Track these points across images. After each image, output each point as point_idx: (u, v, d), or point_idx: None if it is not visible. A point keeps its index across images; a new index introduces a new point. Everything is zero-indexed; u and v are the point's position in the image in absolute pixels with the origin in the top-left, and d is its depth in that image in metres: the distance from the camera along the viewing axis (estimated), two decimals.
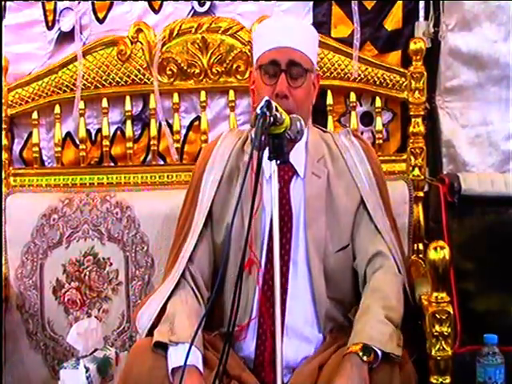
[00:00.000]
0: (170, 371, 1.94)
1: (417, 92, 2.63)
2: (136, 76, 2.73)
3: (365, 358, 1.89)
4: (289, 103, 2.12)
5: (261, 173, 2.08)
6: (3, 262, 2.65)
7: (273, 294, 1.81)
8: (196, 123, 2.78)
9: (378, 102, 2.70)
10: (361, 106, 2.75)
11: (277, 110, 1.86)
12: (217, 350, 2.05)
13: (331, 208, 2.19)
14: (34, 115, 2.77)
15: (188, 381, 1.87)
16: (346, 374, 1.87)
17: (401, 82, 2.65)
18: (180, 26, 2.70)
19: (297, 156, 2.22)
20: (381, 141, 2.71)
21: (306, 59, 2.20)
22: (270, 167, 1.92)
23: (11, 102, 2.75)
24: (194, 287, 2.15)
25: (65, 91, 2.74)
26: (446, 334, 1.99)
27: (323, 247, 2.16)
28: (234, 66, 2.70)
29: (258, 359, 2.12)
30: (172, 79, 2.73)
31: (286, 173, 2.20)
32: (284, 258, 2.14)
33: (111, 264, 2.62)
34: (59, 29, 2.77)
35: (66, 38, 2.76)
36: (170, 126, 2.76)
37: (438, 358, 2.00)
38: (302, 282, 2.15)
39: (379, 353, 1.91)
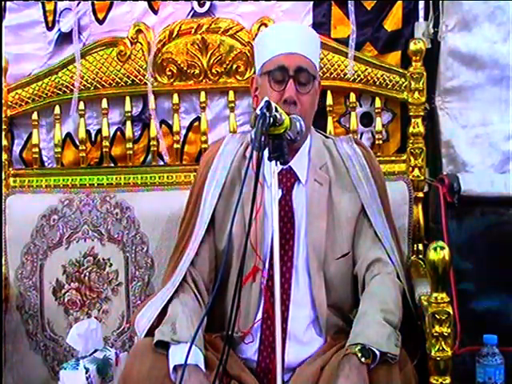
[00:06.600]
0: (171, 369, 1.94)
1: (416, 92, 2.63)
2: (136, 77, 2.73)
3: (363, 360, 1.89)
4: (297, 109, 2.11)
5: (262, 178, 2.07)
6: (3, 262, 2.65)
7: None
8: (196, 124, 2.77)
9: (378, 103, 2.70)
10: (360, 106, 2.74)
11: (276, 110, 1.86)
12: (217, 351, 2.05)
13: (332, 215, 2.19)
14: (34, 116, 2.77)
15: (191, 379, 1.88)
16: (345, 376, 1.87)
17: (400, 82, 2.65)
18: (180, 27, 2.70)
19: (299, 162, 2.22)
20: (380, 141, 2.71)
21: (311, 65, 2.19)
22: (270, 173, 1.89)
23: (11, 102, 2.75)
24: (196, 291, 2.15)
25: (65, 92, 2.74)
26: (445, 334, 1.99)
27: (323, 254, 2.16)
28: (234, 66, 2.70)
29: (260, 364, 2.12)
30: (172, 80, 2.73)
31: (289, 179, 2.20)
32: (287, 265, 2.14)
33: (111, 265, 2.62)
34: (59, 29, 2.77)
35: (65, 38, 2.76)
36: (170, 127, 2.76)
37: (438, 358, 2.00)
38: (303, 289, 2.16)
39: (377, 353, 1.91)
